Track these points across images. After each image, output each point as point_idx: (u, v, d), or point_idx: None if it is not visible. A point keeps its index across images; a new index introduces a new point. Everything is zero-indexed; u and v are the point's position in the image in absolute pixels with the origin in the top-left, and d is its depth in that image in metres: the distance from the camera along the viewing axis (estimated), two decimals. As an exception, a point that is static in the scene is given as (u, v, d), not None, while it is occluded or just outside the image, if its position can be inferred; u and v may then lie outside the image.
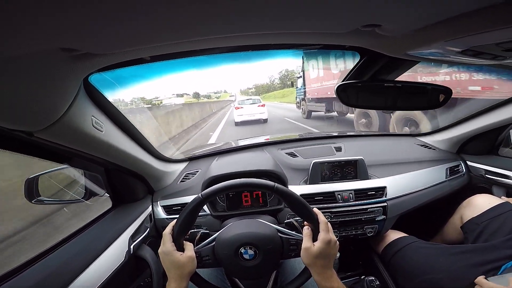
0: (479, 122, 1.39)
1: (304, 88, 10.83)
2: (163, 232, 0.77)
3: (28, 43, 0.36)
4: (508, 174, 1.35)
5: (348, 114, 9.01)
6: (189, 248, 0.75)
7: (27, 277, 0.70)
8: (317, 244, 0.72)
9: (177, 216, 0.78)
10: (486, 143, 1.51)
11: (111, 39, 0.41)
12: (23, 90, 0.46)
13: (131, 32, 0.39)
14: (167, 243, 0.74)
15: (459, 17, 0.41)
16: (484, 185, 1.48)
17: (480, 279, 0.88)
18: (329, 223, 0.77)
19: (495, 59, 0.61)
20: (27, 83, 0.46)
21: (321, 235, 0.73)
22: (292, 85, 12.90)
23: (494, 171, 1.41)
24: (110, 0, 0.28)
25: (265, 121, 11.40)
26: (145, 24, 0.37)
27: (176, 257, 0.72)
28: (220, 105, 27.22)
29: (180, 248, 0.75)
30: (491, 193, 1.40)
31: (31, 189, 0.98)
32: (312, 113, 11.03)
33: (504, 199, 1.24)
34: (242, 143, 1.84)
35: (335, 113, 9.51)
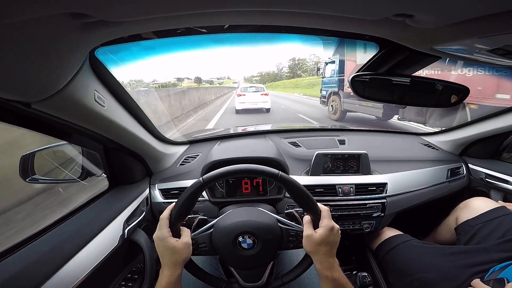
0: (485, 126, 1.38)
1: (339, 76, 8.04)
2: (161, 216, 0.74)
3: (37, 5, 0.33)
4: (508, 179, 1.35)
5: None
6: (186, 234, 0.73)
7: (15, 260, 0.68)
8: (320, 230, 0.71)
9: (175, 200, 0.75)
10: (489, 148, 1.51)
11: (126, 5, 0.38)
12: (23, 58, 0.43)
13: None
14: (163, 228, 0.71)
15: (498, 14, 0.39)
16: (483, 189, 1.49)
17: (477, 281, 0.89)
18: (329, 210, 0.76)
19: None
20: (29, 51, 0.43)
21: (324, 222, 0.72)
22: (318, 71, 10.53)
23: (495, 175, 1.41)
24: None
25: (267, 110, 10.89)
26: None
27: (171, 243, 0.69)
28: (203, 96, 15.54)
29: (176, 234, 0.73)
30: (489, 197, 1.41)
31: (26, 167, 0.95)
32: (348, 114, 8.33)
33: (501, 203, 1.24)
34: (250, 129, 1.82)
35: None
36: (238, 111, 10.85)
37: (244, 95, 10.98)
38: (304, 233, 0.72)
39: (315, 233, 0.71)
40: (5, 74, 0.44)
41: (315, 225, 0.74)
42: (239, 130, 1.82)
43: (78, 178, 1.06)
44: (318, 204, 0.76)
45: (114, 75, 0.75)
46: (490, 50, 0.53)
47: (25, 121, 0.63)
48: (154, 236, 0.73)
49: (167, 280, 0.69)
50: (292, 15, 0.50)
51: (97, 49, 0.62)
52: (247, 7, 0.44)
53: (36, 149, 0.97)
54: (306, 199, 0.75)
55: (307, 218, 0.75)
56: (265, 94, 11.08)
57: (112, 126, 0.82)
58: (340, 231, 0.76)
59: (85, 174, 1.06)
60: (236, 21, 0.56)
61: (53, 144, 1.01)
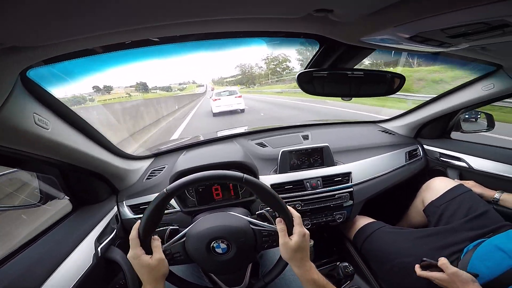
0: (433, 108, 1.50)
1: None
2: (130, 237, 0.74)
3: None
4: (459, 156, 1.46)
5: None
6: (157, 251, 0.73)
7: None
8: (294, 238, 0.73)
9: (143, 215, 0.74)
10: (439, 128, 1.62)
11: (39, 30, 0.37)
12: None
13: (63, 20, 0.36)
14: (134, 248, 0.71)
15: (407, 1, 0.43)
16: (440, 168, 1.59)
17: (445, 262, 0.91)
18: (299, 216, 0.79)
19: (442, 46, 0.64)
20: None
21: (297, 229, 0.74)
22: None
23: (448, 154, 1.52)
24: None
25: (242, 111, 11.86)
26: (80, 11, 0.33)
27: (145, 261, 0.70)
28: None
29: (149, 251, 0.72)
30: (446, 175, 1.51)
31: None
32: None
33: (457, 181, 1.33)
34: (219, 134, 1.82)
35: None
36: (215, 114, 11.63)
37: (219, 99, 11.87)
38: (280, 241, 0.74)
39: (290, 241, 0.73)
40: None
41: (289, 231, 0.75)
42: (207, 137, 1.81)
43: (38, 202, 1.00)
44: (290, 209, 0.77)
45: (53, 95, 0.72)
46: (410, 38, 0.58)
47: None
48: (128, 256, 0.72)
49: None
50: (228, 21, 0.52)
51: (29, 70, 0.59)
52: (180, 19, 0.45)
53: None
54: (271, 198, 0.75)
55: (281, 225, 0.75)
56: (239, 97, 12.11)
57: (60, 148, 0.79)
58: (314, 226, 0.77)
59: (45, 198, 1.01)
60: (174, 32, 0.56)
61: (4, 172, 0.96)
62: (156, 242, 0.74)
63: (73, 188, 1.05)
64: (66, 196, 1.06)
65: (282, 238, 0.73)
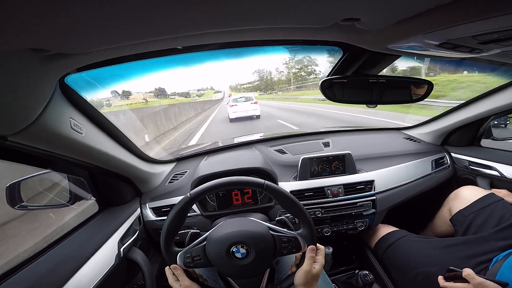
0: (461, 114, 1.44)
1: None
2: (165, 268, 0.80)
3: None
4: (490, 165, 1.39)
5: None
6: (183, 279, 0.76)
7: (11, 285, 0.68)
8: (317, 267, 0.77)
9: (167, 217, 0.77)
10: (468, 135, 1.55)
11: (83, 38, 0.39)
12: None
13: (105, 30, 0.38)
14: (169, 277, 0.78)
15: (436, 9, 0.42)
16: (469, 177, 1.52)
17: (470, 272, 0.88)
18: (323, 248, 0.82)
19: (472, 52, 0.62)
20: None
21: (320, 259, 0.79)
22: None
23: (478, 162, 1.45)
24: None
25: (258, 117, 12.04)
26: (120, 22, 0.36)
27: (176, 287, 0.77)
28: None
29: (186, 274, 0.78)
30: (476, 184, 1.44)
31: (13, 195, 0.95)
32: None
33: (488, 190, 1.27)
34: (236, 140, 1.84)
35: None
36: (232, 120, 11.91)
37: (236, 105, 12.15)
38: (305, 268, 0.75)
39: (314, 269, 0.76)
40: None
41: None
42: (226, 143, 1.83)
43: (67, 202, 1.06)
44: (318, 246, 0.80)
45: (88, 101, 0.76)
46: (439, 45, 0.56)
47: (3, 154, 0.64)
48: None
49: None
50: (251, 31, 0.53)
51: (67, 76, 0.62)
52: (214, 28, 0.47)
53: (21, 178, 0.97)
54: (292, 204, 0.77)
55: (311, 254, 0.77)
56: (255, 103, 12.32)
57: (92, 152, 0.83)
58: (334, 233, 0.78)
59: (74, 198, 1.06)
60: (205, 41, 0.58)
61: (38, 173, 1.01)
62: (178, 271, 0.77)
63: (100, 190, 1.09)
64: (93, 197, 1.10)
65: (308, 265, 0.76)
